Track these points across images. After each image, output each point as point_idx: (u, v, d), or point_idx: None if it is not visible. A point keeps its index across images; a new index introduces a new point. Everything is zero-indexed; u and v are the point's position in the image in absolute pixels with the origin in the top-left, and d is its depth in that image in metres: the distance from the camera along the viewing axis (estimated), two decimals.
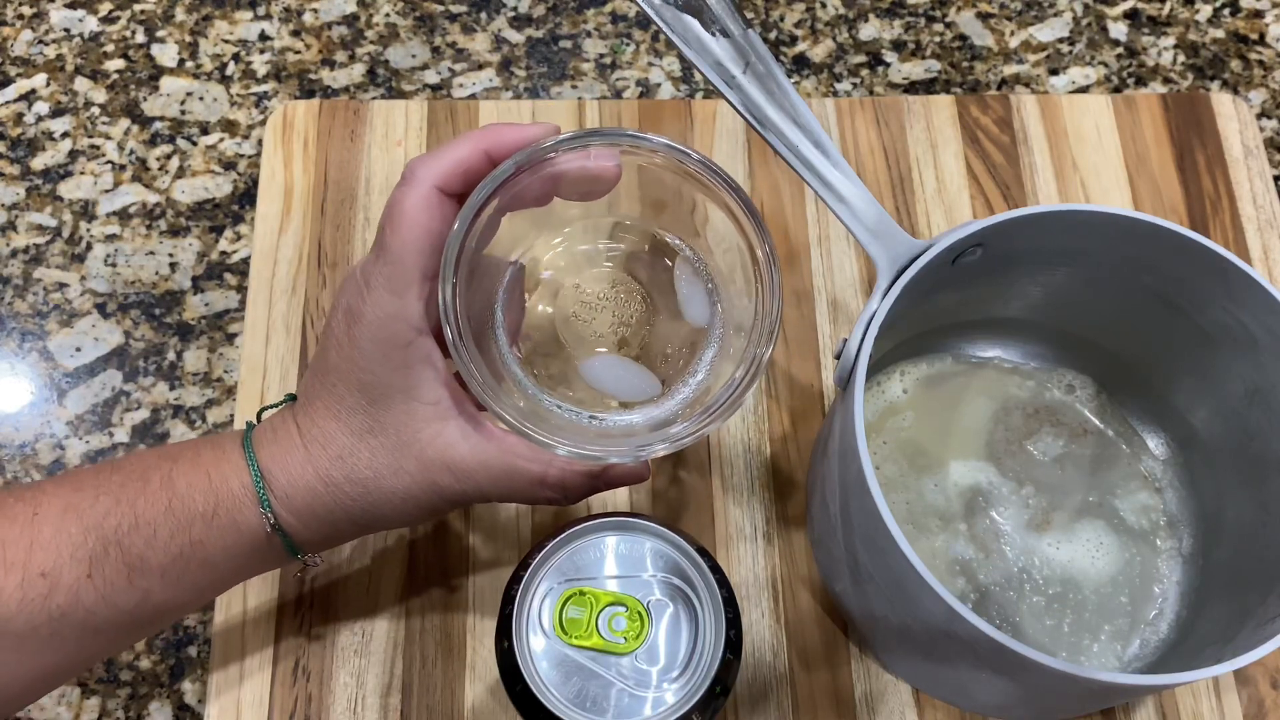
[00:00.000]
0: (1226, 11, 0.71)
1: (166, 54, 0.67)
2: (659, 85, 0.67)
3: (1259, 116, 0.67)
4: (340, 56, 0.68)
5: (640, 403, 0.44)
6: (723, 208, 0.43)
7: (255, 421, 0.44)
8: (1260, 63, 0.69)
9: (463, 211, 0.40)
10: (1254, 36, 0.70)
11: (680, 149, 0.41)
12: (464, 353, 0.39)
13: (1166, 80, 0.69)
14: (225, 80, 0.67)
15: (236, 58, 0.67)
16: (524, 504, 0.46)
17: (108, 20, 0.68)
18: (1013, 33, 0.70)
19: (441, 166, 0.40)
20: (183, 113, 0.66)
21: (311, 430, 0.42)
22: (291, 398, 0.45)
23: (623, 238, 0.46)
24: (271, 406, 0.45)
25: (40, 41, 0.68)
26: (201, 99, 0.66)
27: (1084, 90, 0.68)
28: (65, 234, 0.63)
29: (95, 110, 0.66)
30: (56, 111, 0.66)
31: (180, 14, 0.69)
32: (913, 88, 0.68)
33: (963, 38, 0.70)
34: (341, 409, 0.41)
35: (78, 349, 0.60)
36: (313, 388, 0.42)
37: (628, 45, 0.69)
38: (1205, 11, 0.71)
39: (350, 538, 0.45)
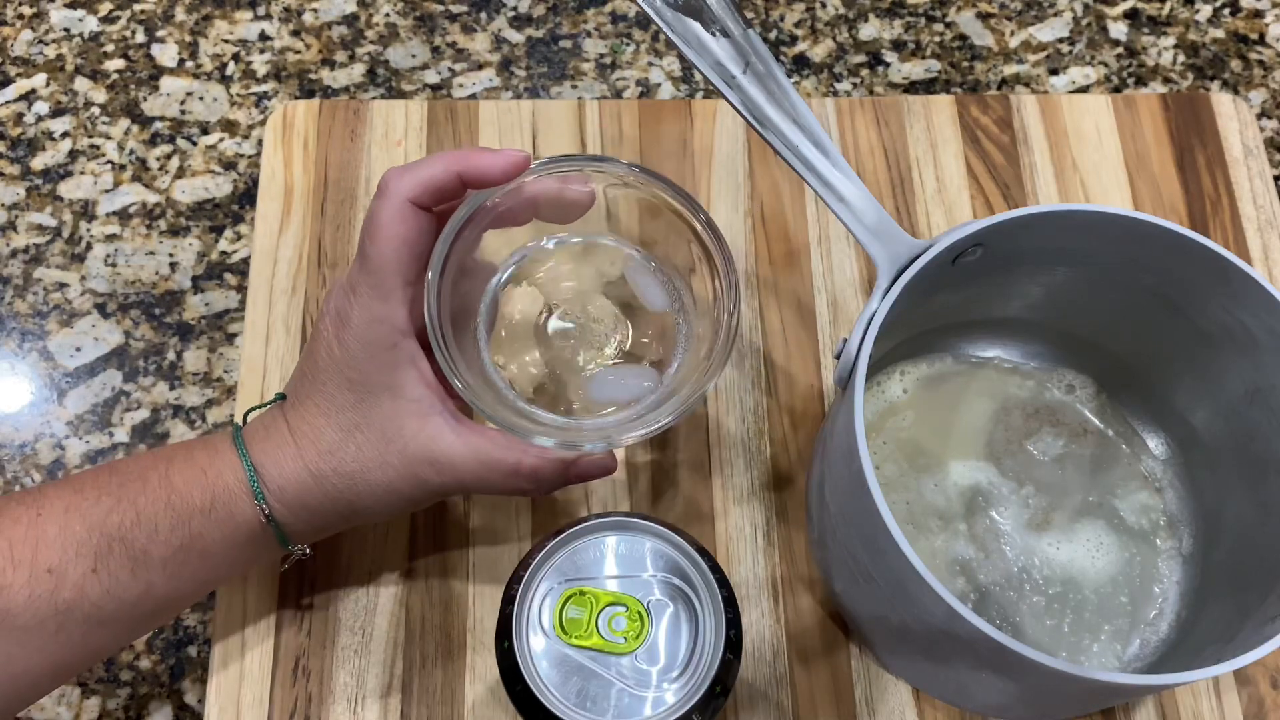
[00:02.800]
0: (1226, 11, 0.71)
1: (166, 54, 0.67)
2: (659, 85, 0.67)
3: (1259, 116, 0.67)
4: (340, 56, 0.68)
5: (616, 408, 0.47)
6: (666, 208, 0.45)
7: (242, 422, 0.46)
8: (1260, 63, 0.69)
9: (446, 228, 0.44)
10: (1254, 36, 0.70)
11: (613, 161, 0.45)
12: (446, 355, 0.43)
13: (1166, 80, 0.69)
14: (225, 80, 0.67)
15: (236, 58, 0.67)
16: (500, 495, 0.49)
17: (108, 20, 0.68)
18: (1013, 33, 0.70)
19: (415, 181, 0.43)
20: (183, 113, 0.66)
21: (301, 427, 0.44)
22: (280, 397, 0.46)
23: (601, 255, 0.49)
24: (259, 407, 0.47)
25: (40, 41, 0.68)
26: (201, 99, 0.66)
27: (1084, 90, 0.68)
28: (65, 234, 0.63)
29: (95, 110, 0.66)
30: (56, 111, 0.66)
31: (180, 14, 0.69)
32: (913, 88, 0.68)
33: (963, 38, 0.70)
34: (331, 406, 0.44)
35: (78, 349, 0.60)
36: (302, 387, 0.45)
37: (628, 45, 0.69)
38: (1205, 11, 0.71)
39: (336, 529, 0.47)
